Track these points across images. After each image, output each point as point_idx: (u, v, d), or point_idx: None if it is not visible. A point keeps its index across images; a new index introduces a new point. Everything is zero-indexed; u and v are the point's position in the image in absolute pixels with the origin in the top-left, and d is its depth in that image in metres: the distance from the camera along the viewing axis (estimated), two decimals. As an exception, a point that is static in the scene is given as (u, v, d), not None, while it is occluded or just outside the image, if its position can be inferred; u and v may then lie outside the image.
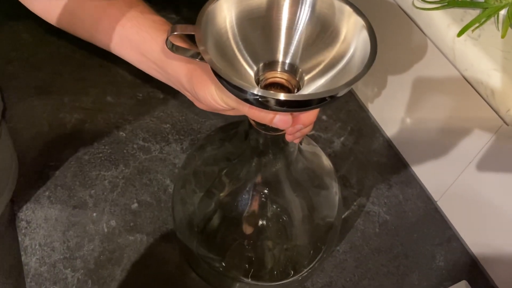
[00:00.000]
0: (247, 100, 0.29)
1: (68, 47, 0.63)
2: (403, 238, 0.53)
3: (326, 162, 0.44)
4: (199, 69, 0.35)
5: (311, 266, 0.45)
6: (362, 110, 0.62)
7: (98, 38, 0.41)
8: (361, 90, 0.62)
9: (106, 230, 0.50)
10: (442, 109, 0.51)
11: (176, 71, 0.37)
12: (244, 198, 0.43)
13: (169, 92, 0.60)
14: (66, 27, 0.41)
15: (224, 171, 0.42)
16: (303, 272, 0.45)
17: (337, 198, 0.44)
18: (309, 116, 0.33)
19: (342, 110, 0.62)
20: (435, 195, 0.56)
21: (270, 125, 0.32)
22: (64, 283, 0.46)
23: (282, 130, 0.34)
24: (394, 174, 0.57)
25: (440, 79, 0.49)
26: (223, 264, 0.43)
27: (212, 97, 0.34)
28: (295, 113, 0.32)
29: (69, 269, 0.47)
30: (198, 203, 0.44)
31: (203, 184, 0.44)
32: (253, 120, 0.35)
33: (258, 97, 0.28)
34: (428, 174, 0.56)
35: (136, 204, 0.52)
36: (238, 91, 0.29)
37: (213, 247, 0.43)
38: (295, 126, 0.33)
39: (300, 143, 0.39)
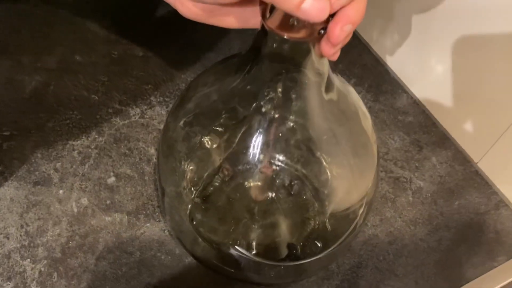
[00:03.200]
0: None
1: (28, 2, 0.53)
2: (442, 207, 0.43)
3: (364, 108, 0.34)
4: None
5: (340, 241, 0.36)
6: (379, 64, 0.53)
7: None
8: (378, 41, 0.53)
9: (75, 210, 0.40)
10: (484, 57, 0.42)
11: None
12: (255, 147, 0.33)
13: (150, 48, 0.51)
14: None
15: (228, 107, 0.33)
16: (329, 249, 0.36)
17: (375, 148, 0.34)
18: (359, 6, 0.22)
19: (356, 65, 0.52)
20: (474, 156, 0.46)
21: (296, 15, 0.22)
22: (22, 277, 0.36)
23: (310, 33, 0.25)
24: (424, 134, 0.48)
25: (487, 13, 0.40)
26: (228, 239, 0.33)
27: None
28: (336, 4, 0.22)
29: (28, 259, 0.37)
30: (194, 157, 0.34)
31: (200, 130, 0.34)
32: (268, 22, 0.25)
33: None
34: (465, 132, 0.47)
35: (113, 178, 0.42)
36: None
37: (216, 215, 0.33)
38: (341, 25, 0.22)
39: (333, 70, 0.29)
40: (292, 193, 0.40)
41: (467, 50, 0.44)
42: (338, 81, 0.32)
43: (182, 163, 0.38)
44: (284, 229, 0.38)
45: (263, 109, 0.35)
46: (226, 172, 0.40)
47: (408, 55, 0.50)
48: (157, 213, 0.40)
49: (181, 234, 0.36)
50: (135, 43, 0.51)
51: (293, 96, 0.33)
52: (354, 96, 0.33)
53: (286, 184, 0.40)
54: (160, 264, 0.38)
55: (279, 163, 0.41)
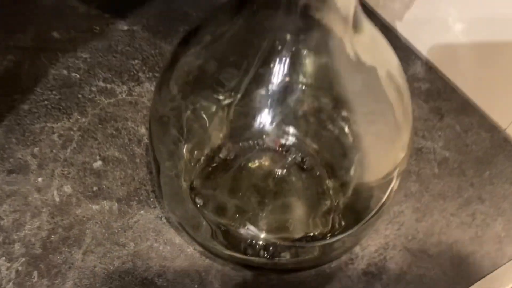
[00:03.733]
0: None
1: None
2: (472, 178, 0.39)
3: (394, 56, 0.29)
4: None
5: (367, 219, 0.31)
6: (388, 30, 0.48)
7: None
8: (385, 5, 0.49)
9: (57, 199, 0.34)
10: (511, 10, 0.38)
11: None
12: (261, 117, 0.29)
13: (135, 22, 0.46)
14: None
15: (224, 71, 0.28)
16: (353, 228, 0.31)
17: (410, 107, 0.29)
18: None
19: (363, 32, 0.48)
20: (502, 122, 0.42)
21: None
22: (-4, 278, 0.31)
23: None
24: (444, 101, 0.43)
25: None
26: (237, 222, 0.28)
27: None
28: None
29: (3, 258, 0.31)
30: (190, 134, 0.29)
31: (194, 101, 0.29)
32: None
33: None
34: (488, 97, 0.43)
35: (99, 162, 0.36)
36: None
37: (220, 197, 0.28)
38: None
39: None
40: (305, 168, 0.35)
41: (491, 2, 0.39)
42: (368, 24, 0.27)
43: (177, 141, 0.33)
44: (298, 208, 0.33)
45: (269, 70, 0.30)
46: (229, 149, 0.35)
47: (420, 17, 0.46)
48: (151, 199, 0.35)
49: (183, 218, 0.31)
50: (118, 17, 0.46)
51: (308, 49, 0.28)
52: (384, 42, 0.28)
53: (298, 160, 0.36)
54: (158, 256, 0.33)
55: (290, 136, 0.36)
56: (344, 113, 0.32)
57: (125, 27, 0.45)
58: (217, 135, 0.36)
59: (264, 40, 0.28)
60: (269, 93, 0.31)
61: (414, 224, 0.36)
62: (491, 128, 0.42)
